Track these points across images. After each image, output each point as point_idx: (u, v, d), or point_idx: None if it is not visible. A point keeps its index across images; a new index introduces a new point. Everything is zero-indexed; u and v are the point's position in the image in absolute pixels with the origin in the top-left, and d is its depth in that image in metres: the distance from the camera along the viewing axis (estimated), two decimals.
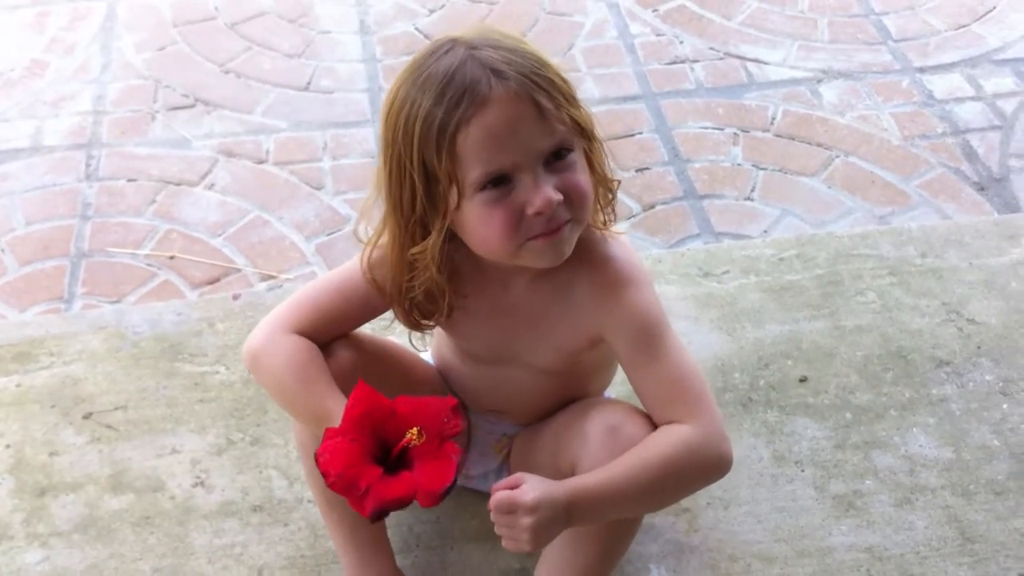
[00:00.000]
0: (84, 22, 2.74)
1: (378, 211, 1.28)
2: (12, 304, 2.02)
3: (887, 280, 1.93)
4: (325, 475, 1.15)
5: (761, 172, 2.30)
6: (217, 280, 2.08)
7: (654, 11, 2.77)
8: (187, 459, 1.65)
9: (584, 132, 1.22)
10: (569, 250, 1.23)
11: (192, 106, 2.48)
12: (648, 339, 1.28)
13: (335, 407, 1.24)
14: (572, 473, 1.32)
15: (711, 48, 2.65)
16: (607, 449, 1.28)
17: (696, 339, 1.82)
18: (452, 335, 1.42)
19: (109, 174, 2.31)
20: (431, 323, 1.35)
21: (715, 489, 1.59)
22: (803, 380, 1.76)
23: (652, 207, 2.23)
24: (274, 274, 2.08)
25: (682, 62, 2.62)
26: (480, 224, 1.20)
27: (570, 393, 1.45)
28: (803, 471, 1.64)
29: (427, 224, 1.22)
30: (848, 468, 1.64)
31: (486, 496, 1.55)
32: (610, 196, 1.29)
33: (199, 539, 1.55)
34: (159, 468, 1.64)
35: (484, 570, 1.52)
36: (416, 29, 2.71)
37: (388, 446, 1.18)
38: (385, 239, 1.28)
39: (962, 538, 1.55)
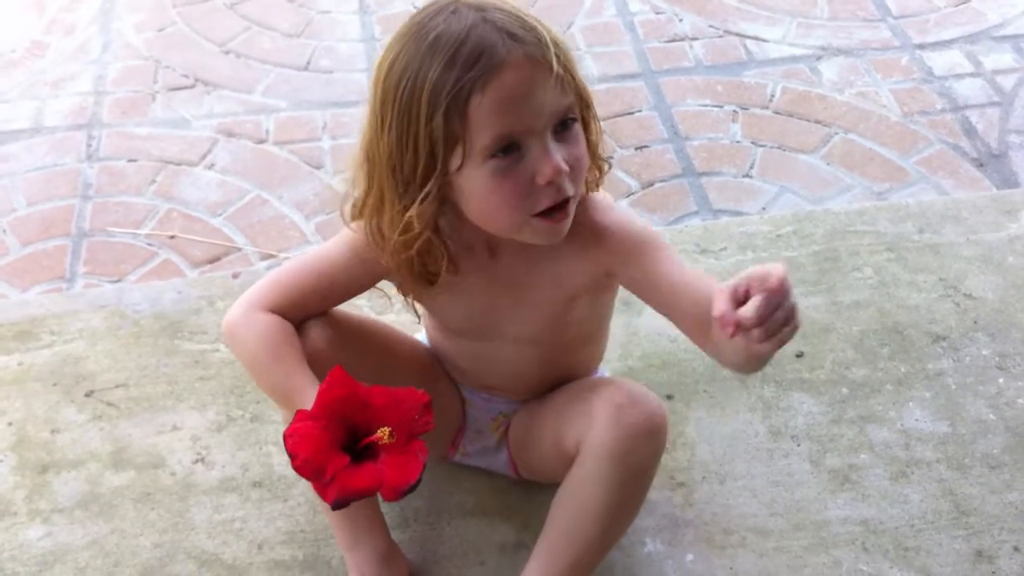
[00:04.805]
0: (84, 3, 2.74)
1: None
2: (14, 284, 2.03)
3: (884, 256, 1.94)
4: (292, 456, 1.15)
5: (760, 149, 2.30)
6: (217, 259, 2.09)
7: None
8: (187, 436, 1.67)
9: (584, 101, 1.22)
10: (567, 229, 1.23)
11: (192, 86, 2.49)
12: (647, 243, 1.28)
13: (302, 386, 1.25)
14: (576, 453, 1.33)
15: (710, 26, 2.65)
16: (613, 428, 1.29)
17: None
18: (434, 313, 1.41)
19: (109, 154, 2.32)
20: (436, 279, 1.30)
21: (711, 463, 1.61)
22: (800, 355, 1.77)
23: (651, 185, 2.23)
24: (274, 253, 2.09)
25: (681, 40, 2.61)
26: (487, 194, 1.19)
27: (560, 368, 1.45)
28: (799, 445, 1.64)
29: (423, 187, 1.19)
30: (844, 442, 1.65)
31: (482, 471, 1.58)
32: (597, 174, 1.29)
33: (199, 515, 1.57)
34: (160, 445, 1.65)
35: (480, 544, 1.53)
36: (415, 8, 2.70)
37: (356, 434, 1.18)
38: (371, 202, 1.25)
39: (957, 511, 1.56)
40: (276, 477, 1.61)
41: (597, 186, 1.31)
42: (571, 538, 1.35)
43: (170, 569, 1.50)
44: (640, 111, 2.41)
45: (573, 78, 1.19)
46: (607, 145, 1.32)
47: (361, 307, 1.81)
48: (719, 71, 2.51)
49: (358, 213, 1.29)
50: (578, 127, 1.21)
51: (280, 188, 2.23)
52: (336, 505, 1.15)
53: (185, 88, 2.48)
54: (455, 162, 1.17)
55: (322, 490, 1.15)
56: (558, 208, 1.20)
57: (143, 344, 1.80)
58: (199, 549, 1.53)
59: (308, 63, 2.56)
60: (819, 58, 2.54)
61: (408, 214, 1.21)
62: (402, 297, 1.38)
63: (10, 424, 1.68)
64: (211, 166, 2.29)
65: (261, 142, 2.34)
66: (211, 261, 2.08)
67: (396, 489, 1.16)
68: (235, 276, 1.93)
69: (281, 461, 1.62)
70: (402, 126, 1.17)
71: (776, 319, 1.05)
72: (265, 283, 1.35)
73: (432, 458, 1.59)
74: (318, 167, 2.28)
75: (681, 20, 2.67)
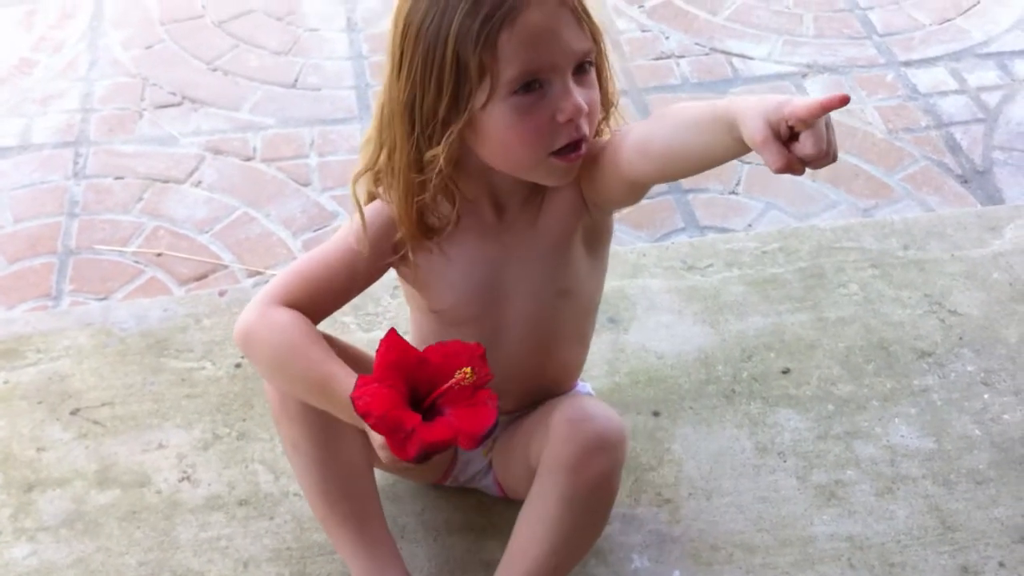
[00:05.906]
0: (72, 20, 2.75)
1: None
2: (0, 302, 2.03)
3: (869, 272, 1.94)
4: (365, 416, 1.13)
5: (746, 166, 2.31)
6: (204, 277, 2.08)
7: (640, 7, 2.78)
8: (173, 454, 1.66)
9: (599, 48, 1.24)
10: (577, 169, 1.25)
11: (179, 104, 2.49)
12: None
13: (337, 371, 1.23)
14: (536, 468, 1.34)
15: (697, 43, 2.67)
16: (565, 443, 1.29)
17: (680, 332, 1.83)
18: (438, 295, 1.37)
19: (96, 172, 2.31)
20: (443, 229, 1.31)
21: (697, 480, 1.61)
22: (786, 372, 1.78)
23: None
24: (261, 270, 2.09)
25: (668, 57, 2.63)
26: (507, 130, 1.20)
27: (548, 372, 1.46)
28: (785, 462, 1.65)
29: (446, 125, 1.21)
30: (830, 458, 1.65)
31: (468, 490, 1.58)
32: (603, 115, 1.29)
33: (185, 533, 1.56)
34: (145, 463, 1.65)
35: (467, 561, 1.53)
36: None
37: (419, 396, 1.18)
38: (380, 159, 1.27)
39: (943, 527, 1.57)
40: (262, 495, 1.60)
41: (601, 131, 1.31)
42: (525, 553, 1.35)
43: None
44: None
45: (592, 22, 1.22)
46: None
47: (347, 324, 1.81)
48: (705, 88, 2.52)
49: (372, 163, 1.30)
50: (594, 73, 1.24)
51: (267, 205, 2.24)
52: (419, 459, 1.14)
53: (172, 106, 2.49)
54: (480, 98, 1.19)
55: (400, 446, 1.14)
56: (574, 147, 1.22)
57: (129, 362, 1.80)
58: (184, 567, 1.52)
59: (296, 81, 2.56)
60: (805, 75, 2.56)
61: (430, 153, 1.23)
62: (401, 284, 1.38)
63: None
64: (198, 183, 2.29)
65: (248, 159, 2.35)
66: (198, 279, 2.08)
67: (474, 436, 1.15)
68: (222, 294, 1.93)
69: (267, 479, 1.62)
70: (426, 63, 1.19)
71: (829, 140, 1.02)
72: (275, 282, 1.32)
73: (423, 484, 1.60)
74: (305, 184, 2.28)
75: (668, 38, 2.69)
